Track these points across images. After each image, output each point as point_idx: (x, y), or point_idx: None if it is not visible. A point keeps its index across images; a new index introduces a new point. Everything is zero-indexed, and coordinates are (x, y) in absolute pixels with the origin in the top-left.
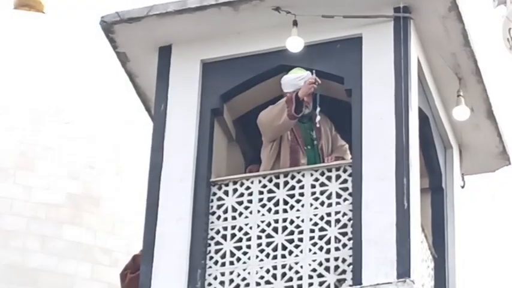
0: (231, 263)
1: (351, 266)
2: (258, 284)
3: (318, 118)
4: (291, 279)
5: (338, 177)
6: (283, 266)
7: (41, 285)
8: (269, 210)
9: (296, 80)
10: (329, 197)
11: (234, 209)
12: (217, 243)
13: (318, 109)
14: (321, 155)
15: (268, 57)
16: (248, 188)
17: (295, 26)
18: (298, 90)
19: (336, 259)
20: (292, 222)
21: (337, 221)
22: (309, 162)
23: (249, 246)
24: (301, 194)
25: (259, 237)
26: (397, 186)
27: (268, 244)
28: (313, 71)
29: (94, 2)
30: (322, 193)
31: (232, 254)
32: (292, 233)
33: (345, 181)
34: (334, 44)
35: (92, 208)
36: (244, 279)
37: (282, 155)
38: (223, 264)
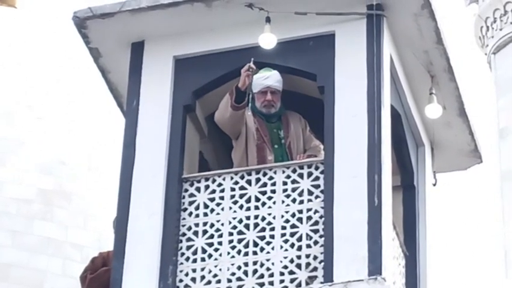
0: (203, 259)
1: (322, 263)
2: (229, 280)
3: (249, 112)
4: (262, 276)
5: (310, 174)
6: (255, 263)
7: (12, 281)
8: (241, 207)
9: (261, 79)
10: (301, 194)
11: (206, 206)
12: (189, 239)
13: (250, 99)
14: (289, 153)
15: (241, 54)
16: (220, 184)
17: (268, 22)
18: (264, 89)
19: (307, 256)
20: (263, 219)
21: (309, 218)
22: (276, 160)
23: (220, 243)
24: (273, 191)
25: (231, 234)
26: (369, 184)
27: (239, 241)
28: (252, 59)
29: None
30: (293, 190)
31: (204, 251)
32: (263, 229)
33: (317, 178)
34: (307, 41)
35: (63, 203)
36: (215, 275)
37: (249, 154)
38: (194, 261)
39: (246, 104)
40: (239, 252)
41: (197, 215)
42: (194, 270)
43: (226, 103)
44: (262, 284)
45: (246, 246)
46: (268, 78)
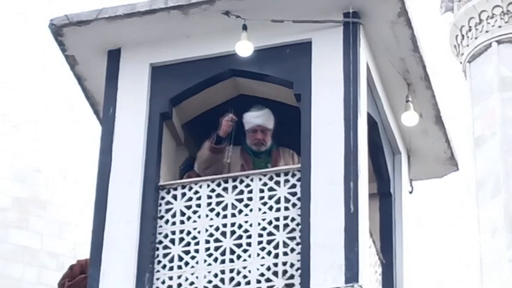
0: (179, 267)
1: (299, 271)
2: None
3: (229, 156)
4: (239, 283)
5: (286, 181)
6: (231, 271)
7: None
8: (217, 214)
9: (251, 117)
10: (277, 201)
11: (183, 213)
12: (166, 247)
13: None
14: None
15: (218, 62)
16: (197, 192)
17: (245, 30)
18: (255, 128)
19: (284, 264)
20: (240, 226)
21: (286, 225)
22: None
23: (197, 251)
24: (250, 199)
25: (208, 242)
26: (345, 191)
27: (216, 248)
28: (231, 110)
29: (42, 4)
30: (270, 198)
31: (181, 258)
32: (240, 237)
33: (294, 186)
34: (283, 49)
35: (39, 212)
36: (192, 283)
37: None
38: (171, 269)
39: (226, 145)
40: (216, 259)
41: (174, 223)
42: (171, 278)
43: (206, 147)
44: None
45: (223, 253)
46: (259, 118)
